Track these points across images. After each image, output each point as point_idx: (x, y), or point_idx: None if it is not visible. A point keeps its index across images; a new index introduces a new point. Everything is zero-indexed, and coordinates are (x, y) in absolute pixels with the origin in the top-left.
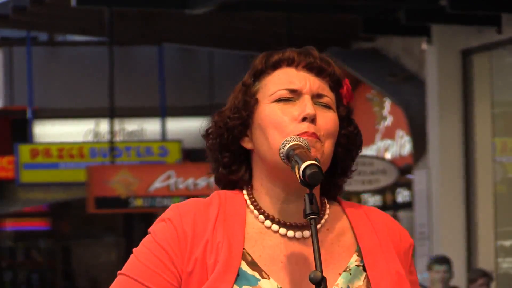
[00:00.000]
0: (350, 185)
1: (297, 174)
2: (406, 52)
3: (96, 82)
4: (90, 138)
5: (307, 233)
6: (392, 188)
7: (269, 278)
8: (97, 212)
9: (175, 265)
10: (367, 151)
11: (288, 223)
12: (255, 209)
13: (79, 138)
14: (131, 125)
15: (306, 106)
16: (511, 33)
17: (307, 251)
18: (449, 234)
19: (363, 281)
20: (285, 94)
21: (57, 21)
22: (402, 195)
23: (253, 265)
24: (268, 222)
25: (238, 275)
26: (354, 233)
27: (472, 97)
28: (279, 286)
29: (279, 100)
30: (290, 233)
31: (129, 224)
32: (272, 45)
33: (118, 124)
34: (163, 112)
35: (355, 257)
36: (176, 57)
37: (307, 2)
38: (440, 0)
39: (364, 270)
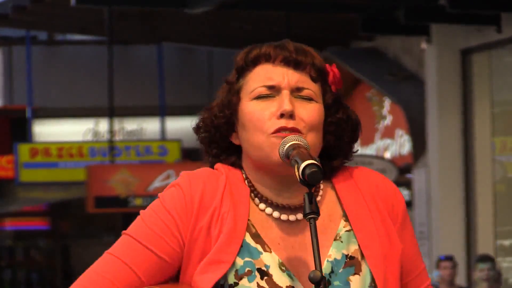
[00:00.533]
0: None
1: (296, 173)
2: (405, 51)
3: (95, 81)
4: (89, 137)
5: (300, 215)
6: None
7: (271, 252)
8: (96, 212)
9: (180, 232)
10: (367, 150)
11: (281, 205)
12: (251, 192)
13: (79, 138)
14: (131, 125)
15: (283, 102)
16: (511, 32)
17: (301, 233)
18: (448, 233)
19: (358, 244)
20: (263, 91)
21: (57, 20)
22: (402, 194)
23: (256, 237)
24: (262, 205)
25: (241, 246)
26: (341, 203)
27: (471, 97)
28: (280, 261)
29: (258, 97)
30: (284, 217)
31: (128, 223)
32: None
33: (117, 124)
34: (162, 111)
35: (343, 222)
36: (175, 56)
37: (306, 1)
38: None
39: (353, 232)
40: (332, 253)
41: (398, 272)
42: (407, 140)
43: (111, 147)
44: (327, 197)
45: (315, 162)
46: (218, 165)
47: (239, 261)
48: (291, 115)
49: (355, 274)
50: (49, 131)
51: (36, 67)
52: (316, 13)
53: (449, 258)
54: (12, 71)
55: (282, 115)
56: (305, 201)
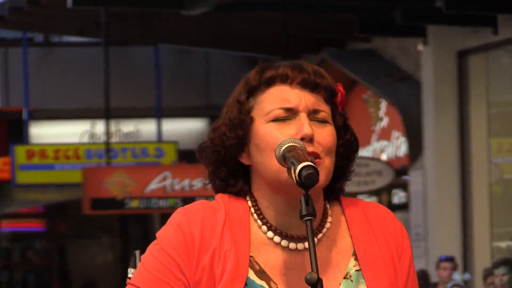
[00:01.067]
0: (345, 186)
1: (293, 175)
2: (402, 53)
3: (92, 83)
4: (86, 139)
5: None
6: (387, 189)
7: (278, 287)
8: (92, 214)
9: (184, 273)
10: (363, 152)
11: (289, 235)
12: (258, 218)
13: (75, 139)
14: (127, 126)
15: (303, 125)
16: (507, 34)
17: (309, 264)
18: (445, 235)
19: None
20: (280, 113)
21: (53, 21)
22: (398, 196)
23: (261, 273)
24: (270, 233)
25: (246, 284)
26: (350, 234)
27: (468, 98)
28: None
29: (275, 119)
30: (292, 245)
31: (125, 225)
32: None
33: (113, 125)
34: (158, 113)
35: (353, 261)
36: (172, 57)
37: (303, 2)
38: (436, 0)
39: (358, 263)
40: None
41: None
42: (403, 142)
43: (108, 149)
44: (339, 230)
45: (312, 164)
46: (218, 197)
47: None
48: (311, 139)
49: None
50: (46, 132)
51: (32, 69)
52: (313, 14)
53: (450, 259)
54: (8, 73)
55: (302, 139)
56: (302, 203)
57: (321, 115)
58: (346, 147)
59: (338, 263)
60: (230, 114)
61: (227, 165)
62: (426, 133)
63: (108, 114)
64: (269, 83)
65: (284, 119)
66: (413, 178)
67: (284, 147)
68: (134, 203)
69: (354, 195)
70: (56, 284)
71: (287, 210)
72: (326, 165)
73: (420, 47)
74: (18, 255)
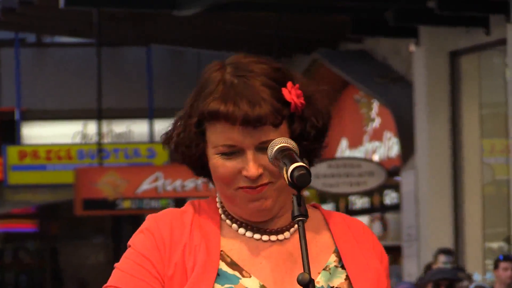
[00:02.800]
0: (338, 187)
1: (285, 175)
2: (394, 54)
3: (84, 83)
4: (78, 139)
5: (282, 236)
6: (380, 190)
7: (250, 277)
8: (84, 214)
9: (158, 271)
10: (355, 153)
11: (261, 229)
12: (227, 218)
13: (67, 140)
14: (119, 127)
15: (248, 165)
16: (499, 34)
17: (285, 252)
18: (437, 235)
19: (344, 279)
20: (225, 149)
21: (46, 22)
22: (390, 197)
23: (233, 265)
24: (242, 230)
25: (218, 274)
26: (331, 233)
27: (460, 99)
28: (261, 284)
29: (221, 153)
30: (265, 237)
31: (117, 225)
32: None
33: (106, 126)
34: (151, 113)
35: (333, 257)
36: (164, 58)
37: (296, 3)
38: (428, 1)
39: (343, 269)
40: (320, 281)
41: None
42: (395, 143)
43: (100, 149)
44: (318, 226)
45: (304, 165)
46: (187, 203)
47: None
48: (258, 176)
49: None
50: (38, 133)
51: (25, 69)
52: (306, 15)
53: (509, 259)
54: (0, 73)
55: (246, 177)
56: (294, 204)
57: (269, 143)
58: (309, 153)
59: (317, 256)
60: (189, 132)
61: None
62: (418, 133)
63: (100, 114)
64: (214, 118)
65: (230, 153)
66: (405, 178)
67: (276, 147)
68: (126, 204)
69: (346, 196)
70: (48, 284)
71: (251, 217)
72: (278, 186)
73: (412, 47)
74: (10, 256)
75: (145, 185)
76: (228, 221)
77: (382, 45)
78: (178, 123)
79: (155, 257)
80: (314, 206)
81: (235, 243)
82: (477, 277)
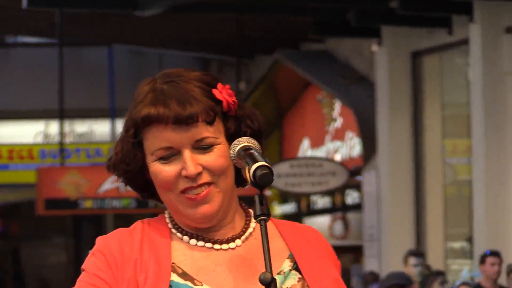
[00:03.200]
0: (299, 187)
1: (247, 175)
2: (356, 54)
3: (46, 83)
4: (40, 139)
5: (233, 244)
6: (341, 190)
7: (202, 285)
8: (46, 214)
9: None
10: (317, 152)
11: (211, 239)
12: (177, 231)
13: (29, 140)
14: (81, 127)
15: (186, 164)
16: (462, 34)
17: (239, 258)
18: (398, 235)
19: (297, 281)
20: (162, 153)
21: (8, 22)
22: (352, 197)
23: (184, 275)
24: (193, 241)
25: (170, 286)
26: (284, 240)
27: (422, 99)
28: None
29: (160, 158)
30: (216, 246)
31: (78, 225)
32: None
33: (67, 126)
34: (112, 113)
35: (287, 262)
36: (126, 58)
37: (257, 3)
38: (390, 1)
39: (297, 271)
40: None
41: None
42: (357, 143)
43: (61, 149)
44: (271, 234)
45: (266, 164)
46: (137, 222)
47: None
48: (197, 174)
49: None
50: (0, 132)
51: None
52: (267, 16)
53: (497, 254)
54: None
55: (186, 177)
56: (256, 203)
57: (205, 141)
58: (252, 132)
59: (272, 262)
60: (126, 145)
61: (136, 182)
62: (380, 133)
63: (62, 114)
64: (147, 123)
65: (168, 157)
66: (367, 178)
67: (239, 146)
68: (88, 204)
69: (307, 195)
70: (9, 284)
71: (198, 229)
72: (221, 187)
73: (375, 48)
74: None
75: (107, 185)
76: (178, 234)
77: (344, 45)
78: (117, 145)
79: (109, 276)
80: None
81: (187, 254)
82: (466, 273)
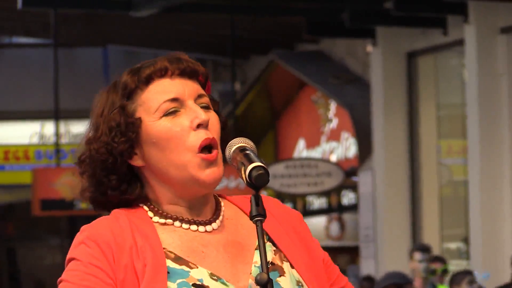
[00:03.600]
0: (295, 188)
1: (243, 175)
2: (350, 54)
3: (41, 84)
4: (35, 140)
5: (215, 225)
6: (337, 191)
7: (197, 267)
8: (42, 215)
9: (110, 277)
10: (312, 153)
11: (196, 220)
12: (160, 217)
13: (25, 140)
14: (76, 127)
15: (197, 112)
16: (457, 35)
17: (223, 239)
18: (394, 236)
19: (274, 254)
20: (168, 106)
21: (3, 23)
22: (348, 198)
23: (178, 260)
24: (177, 223)
25: (168, 272)
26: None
27: (417, 99)
28: (209, 272)
29: (165, 114)
30: (201, 228)
31: (73, 226)
32: (217, 47)
33: (63, 126)
34: None
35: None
36: (121, 59)
37: (252, 4)
38: (385, 2)
39: (271, 242)
40: (257, 260)
41: (323, 273)
42: (352, 143)
43: (57, 150)
44: (235, 212)
45: (262, 165)
46: (114, 211)
47: (173, 286)
48: (207, 125)
49: (280, 276)
50: None
51: None
52: (261, 16)
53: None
54: None
55: (199, 126)
56: (252, 204)
57: (204, 100)
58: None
59: (247, 237)
60: (113, 122)
61: (117, 172)
62: (375, 134)
63: (57, 115)
64: (148, 80)
65: (174, 112)
66: (362, 179)
67: (234, 147)
68: (84, 204)
69: (303, 196)
70: (5, 285)
71: (189, 204)
72: (221, 155)
73: (369, 48)
74: None
75: None
76: (161, 219)
77: (338, 45)
78: (97, 128)
79: (104, 264)
80: (220, 196)
81: (173, 238)
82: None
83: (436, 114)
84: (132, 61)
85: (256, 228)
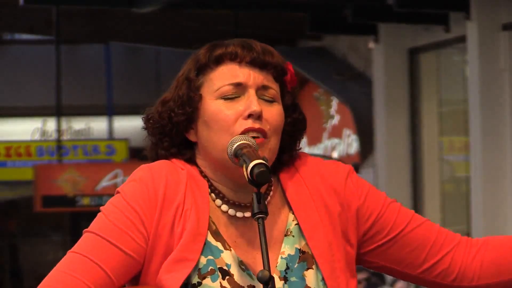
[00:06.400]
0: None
1: (245, 173)
2: (353, 51)
3: (43, 80)
4: (37, 136)
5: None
6: None
7: (231, 250)
8: (44, 211)
9: (145, 226)
10: (314, 150)
11: (237, 203)
12: (213, 192)
13: (26, 137)
14: (78, 124)
15: (251, 102)
16: (459, 31)
17: (256, 231)
18: None
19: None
20: (229, 89)
21: (5, 19)
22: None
23: (216, 235)
24: (218, 201)
25: (204, 243)
26: (286, 197)
27: (419, 96)
28: (240, 259)
29: (223, 97)
30: (239, 214)
31: (75, 222)
32: None
33: (65, 123)
34: (110, 110)
35: (291, 216)
36: (123, 55)
37: (254, 0)
38: None
39: (298, 227)
40: (285, 250)
41: (345, 260)
42: (354, 140)
43: (59, 146)
44: (275, 193)
45: (264, 162)
46: (174, 160)
47: (203, 260)
48: (259, 116)
49: (308, 269)
50: None
51: None
52: (264, 12)
53: None
54: None
55: (249, 116)
56: (254, 201)
57: (270, 92)
58: (293, 126)
59: (277, 223)
60: (179, 91)
61: (171, 137)
62: (378, 131)
63: (59, 111)
64: (219, 61)
65: (233, 97)
66: (365, 176)
67: (236, 144)
68: (86, 201)
69: None
70: (7, 282)
71: (232, 186)
72: (270, 146)
73: (371, 45)
74: None
75: (105, 182)
76: (213, 195)
77: (341, 42)
78: (170, 89)
79: (144, 211)
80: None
81: (215, 214)
82: None
83: (438, 110)
84: (134, 58)
85: (258, 226)
